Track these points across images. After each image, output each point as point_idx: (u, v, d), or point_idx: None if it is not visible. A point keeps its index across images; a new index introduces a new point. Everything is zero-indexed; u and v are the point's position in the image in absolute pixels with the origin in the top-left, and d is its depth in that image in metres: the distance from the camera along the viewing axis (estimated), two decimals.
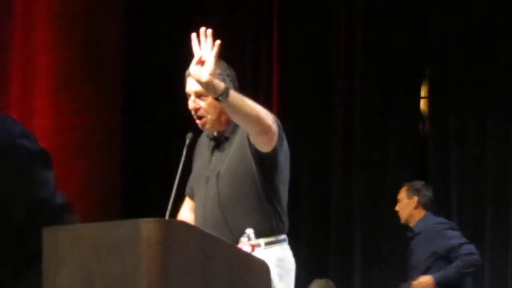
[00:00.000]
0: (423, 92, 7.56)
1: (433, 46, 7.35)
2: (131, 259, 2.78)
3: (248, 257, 3.39)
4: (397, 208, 6.48)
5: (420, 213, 6.41)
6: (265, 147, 3.73)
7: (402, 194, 6.46)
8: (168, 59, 7.58)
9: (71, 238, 2.92)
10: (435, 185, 7.04)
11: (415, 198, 6.38)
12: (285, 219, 3.87)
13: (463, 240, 6.24)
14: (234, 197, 3.80)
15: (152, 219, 2.85)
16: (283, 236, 3.85)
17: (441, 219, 6.53)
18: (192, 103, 3.81)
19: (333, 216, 7.46)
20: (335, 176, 7.51)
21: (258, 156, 3.75)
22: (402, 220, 6.50)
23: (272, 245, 3.75)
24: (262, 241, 3.69)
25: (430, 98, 7.45)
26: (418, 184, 6.53)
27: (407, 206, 6.41)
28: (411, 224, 6.47)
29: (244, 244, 3.56)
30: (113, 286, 2.81)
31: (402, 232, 7.19)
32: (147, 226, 2.81)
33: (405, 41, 7.42)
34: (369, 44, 7.47)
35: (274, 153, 3.75)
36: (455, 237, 6.29)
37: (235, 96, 3.55)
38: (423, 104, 7.58)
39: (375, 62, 7.47)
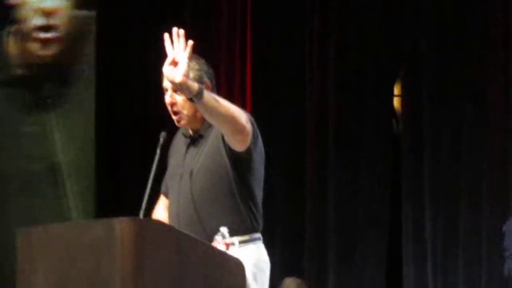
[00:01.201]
0: (397, 90, 7.56)
1: (407, 42, 7.32)
2: (105, 259, 2.79)
3: (222, 256, 3.41)
4: None
5: None
6: (239, 147, 3.73)
7: None
8: (142, 55, 7.56)
9: (45, 239, 2.92)
10: (408, 183, 7.06)
11: None
12: (260, 218, 3.87)
13: None
14: (207, 195, 3.79)
15: (126, 219, 2.87)
16: (258, 235, 3.84)
17: None
18: (168, 98, 3.82)
19: (307, 216, 7.44)
20: (309, 176, 7.49)
21: (233, 155, 3.75)
22: None
23: (246, 244, 3.74)
24: (236, 239, 3.67)
25: (403, 96, 7.43)
26: None
27: None
28: None
29: (219, 243, 3.56)
30: (87, 286, 2.82)
31: (377, 231, 7.20)
32: (121, 225, 2.83)
33: (379, 37, 7.40)
34: (343, 41, 7.47)
35: (248, 152, 3.75)
36: None
37: (209, 96, 3.55)
38: (396, 102, 7.57)
39: (349, 59, 7.45)
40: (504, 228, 5.67)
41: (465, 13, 7.04)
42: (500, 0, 6.87)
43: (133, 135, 7.72)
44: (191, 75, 3.73)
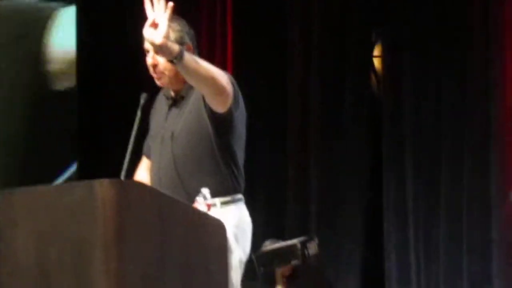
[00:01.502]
0: (377, 51, 7.52)
1: (388, 7, 7.30)
2: (86, 221, 2.80)
3: (204, 216, 3.43)
4: None
5: None
6: (220, 108, 3.73)
7: None
8: (121, 17, 7.51)
9: (26, 200, 2.92)
10: (388, 149, 7.10)
11: None
12: (241, 179, 3.89)
13: None
14: (189, 156, 3.81)
15: (107, 180, 2.87)
16: (239, 196, 3.86)
17: None
18: (150, 59, 3.83)
19: (290, 181, 7.45)
20: (291, 143, 7.49)
21: (214, 116, 3.75)
22: None
23: (228, 205, 3.76)
24: (217, 200, 3.70)
25: (383, 58, 7.41)
26: None
27: None
28: None
29: (200, 204, 3.59)
30: (68, 249, 2.83)
31: (358, 195, 7.24)
32: (102, 187, 2.83)
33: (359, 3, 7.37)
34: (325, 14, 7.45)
35: (229, 113, 3.76)
36: None
37: (189, 58, 3.55)
38: (377, 63, 7.54)
39: (331, 31, 7.42)
40: None
41: None
42: None
43: (114, 97, 7.71)
44: (172, 36, 3.73)
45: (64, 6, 8.34)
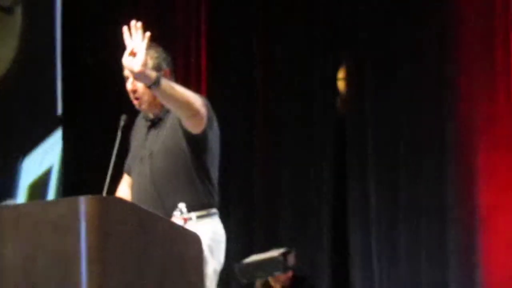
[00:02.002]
0: (341, 74, 7.51)
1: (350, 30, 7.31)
2: (71, 235, 2.77)
3: (181, 230, 3.42)
4: None
5: None
6: (195, 129, 3.74)
7: None
8: (104, 47, 7.50)
9: (14, 217, 2.90)
10: (352, 159, 7.11)
11: None
12: (216, 194, 3.90)
13: None
14: (166, 174, 3.81)
15: (90, 196, 2.86)
16: (214, 210, 3.86)
17: None
18: (130, 85, 3.84)
19: (258, 194, 7.46)
20: (258, 157, 7.49)
21: (189, 137, 3.76)
22: None
23: (203, 219, 3.76)
24: (193, 215, 3.70)
25: (347, 78, 7.42)
26: None
27: None
28: None
29: (177, 218, 3.59)
30: (54, 262, 2.80)
31: (325, 204, 7.22)
32: (86, 203, 2.81)
33: (324, 23, 7.38)
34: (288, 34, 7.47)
35: (204, 134, 3.77)
36: None
37: (166, 84, 3.56)
38: (340, 85, 7.54)
39: (293, 49, 7.44)
40: None
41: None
42: None
43: (96, 119, 7.69)
44: (151, 63, 3.76)
45: None
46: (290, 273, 6.69)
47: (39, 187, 8.43)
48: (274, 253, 6.50)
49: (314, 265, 7.14)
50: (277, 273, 6.56)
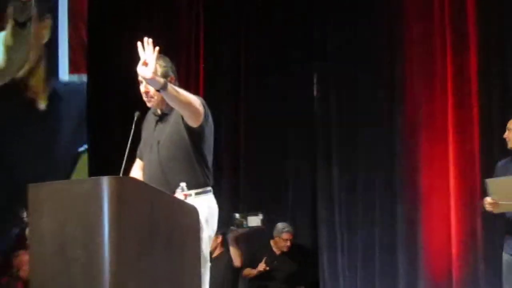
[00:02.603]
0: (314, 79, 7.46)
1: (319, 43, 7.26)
2: (94, 207, 2.78)
3: (181, 203, 3.41)
4: (505, 135, 5.27)
5: None
6: (194, 124, 3.73)
7: (510, 125, 5.27)
8: (124, 59, 7.48)
9: (50, 192, 2.91)
10: (320, 152, 7.10)
11: None
12: (210, 175, 3.87)
13: None
14: (171, 159, 3.78)
15: (110, 177, 2.86)
16: (209, 188, 3.83)
17: None
18: (143, 88, 3.81)
19: (242, 175, 7.48)
20: (244, 143, 7.49)
21: (189, 129, 3.75)
22: (509, 146, 5.23)
23: (200, 195, 3.73)
24: (192, 191, 3.67)
25: (318, 84, 7.41)
26: None
27: None
28: None
29: (179, 194, 3.56)
30: (81, 227, 2.81)
31: (306, 182, 7.20)
32: (107, 181, 2.82)
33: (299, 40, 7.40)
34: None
35: (201, 127, 3.76)
36: None
37: (171, 88, 3.54)
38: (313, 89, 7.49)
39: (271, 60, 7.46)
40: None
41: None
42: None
43: (115, 115, 7.67)
44: (160, 70, 3.73)
45: None
46: (288, 236, 6.72)
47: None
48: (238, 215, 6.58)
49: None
50: (233, 228, 6.59)
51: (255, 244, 7.07)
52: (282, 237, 6.78)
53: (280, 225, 6.82)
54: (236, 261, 6.64)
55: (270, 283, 6.74)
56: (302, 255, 7.02)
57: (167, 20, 7.81)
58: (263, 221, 6.56)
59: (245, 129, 7.50)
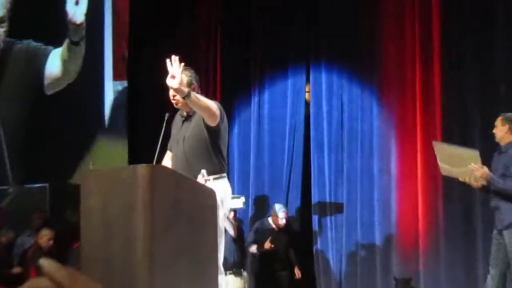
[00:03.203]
0: (307, 88, 7.32)
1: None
2: (132, 189, 2.78)
3: (202, 187, 3.42)
4: (494, 131, 4.97)
5: (509, 138, 4.90)
6: (212, 123, 3.74)
7: (498, 122, 4.97)
8: (157, 69, 7.45)
9: (97, 177, 2.93)
10: (314, 140, 6.99)
11: (507, 126, 4.93)
12: (225, 164, 3.89)
13: None
14: (194, 151, 3.79)
15: (145, 165, 2.87)
16: (224, 174, 3.85)
17: None
18: (171, 94, 3.81)
19: (253, 165, 7.41)
20: (253, 135, 7.41)
21: (208, 128, 3.76)
22: (497, 139, 4.94)
23: (217, 180, 3.75)
24: (211, 177, 3.68)
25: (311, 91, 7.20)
26: (510, 115, 5.03)
27: (501, 131, 4.92)
28: (501, 143, 4.92)
29: (200, 179, 3.58)
30: (121, 205, 2.81)
31: (297, 171, 7.11)
32: (142, 169, 2.83)
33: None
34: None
35: (217, 127, 3.77)
36: None
37: (194, 96, 3.56)
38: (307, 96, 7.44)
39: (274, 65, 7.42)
40: None
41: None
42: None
43: (151, 116, 7.65)
44: (185, 79, 3.74)
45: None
46: (283, 215, 6.58)
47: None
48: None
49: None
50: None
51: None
52: (278, 215, 6.72)
53: (277, 206, 6.70)
54: (233, 233, 6.55)
55: (273, 253, 6.73)
56: (297, 231, 6.98)
57: (190, 38, 7.79)
58: (244, 203, 6.47)
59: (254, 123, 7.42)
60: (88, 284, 0.77)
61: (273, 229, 6.69)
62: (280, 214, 6.66)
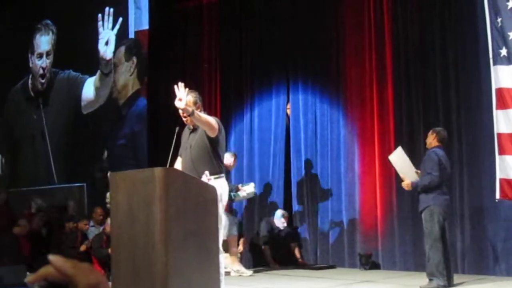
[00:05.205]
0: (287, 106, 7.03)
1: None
2: (150, 187, 2.78)
3: (205, 184, 3.41)
4: (426, 140, 4.96)
5: (434, 144, 4.84)
6: (212, 135, 3.76)
7: (429, 133, 4.94)
8: (170, 91, 7.38)
9: (123, 177, 2.92)
10: (293, 149, 6.86)
11: (434, 135, 4.85)
12: (223, 166, 3.88)
13: (435, 167, 4.72)
14: (198, 156, 3.79)
15: (160, 168, 2.86)
16: (222, 174, 3.84)
17: (440, 151, 4.81)
18: (180, 112, 3.79)
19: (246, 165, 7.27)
20: (246, 143, 7.24)
21: (209, 139, 3.77)
22: (427, 146, 4.93)
23: (217, 179, 3.73)
24: (212, 177, 3.69)
25: (291, 107, 7.00)
26: (439, 128, 5.00)
27: (429, 139, 4.87)
28: (428, 148, 4.88)
29: (204, 178, 3.60)
30: (142, 199, 2.80)
31: (279, 174, 6.98)
32: (158, 171, 2.82)
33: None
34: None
35: (216, 137, 3.78)
36: (434, 163, 4.73)
37: (197, 114, 3.58)
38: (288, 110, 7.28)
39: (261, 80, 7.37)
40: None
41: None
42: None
43: (165, 130, 7.58)
44: (192, 100, 3.74)
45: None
46: (285, 219, 6.39)
47: None
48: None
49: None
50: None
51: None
52: (280, 220, 6.58)
53: (279, 212, 6.58)
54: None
55: (278, 243, 6.65)
56: (292, 228, 6.84)
57: (196, 64, 7.74)
58: (254, 187, 6.22)
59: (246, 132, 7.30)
60: (90, 272, 0.71)
61: (277, 227, 6.61)
62: (282, 219, 6.56)
